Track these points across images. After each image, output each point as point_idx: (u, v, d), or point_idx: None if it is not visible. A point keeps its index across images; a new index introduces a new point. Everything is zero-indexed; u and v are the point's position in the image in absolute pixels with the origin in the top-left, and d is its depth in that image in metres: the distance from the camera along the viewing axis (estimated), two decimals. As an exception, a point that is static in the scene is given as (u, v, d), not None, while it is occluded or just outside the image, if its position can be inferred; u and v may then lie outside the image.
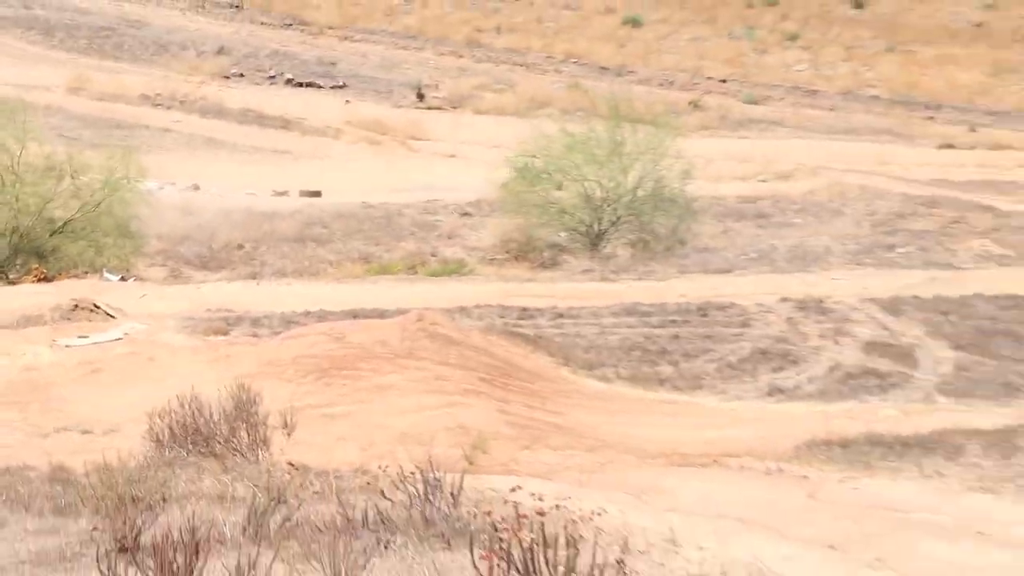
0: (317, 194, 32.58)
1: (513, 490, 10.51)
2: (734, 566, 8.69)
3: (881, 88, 46.87)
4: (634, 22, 55.94)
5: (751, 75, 47.25)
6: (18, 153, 24.91)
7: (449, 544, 8.49)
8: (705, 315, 20.71)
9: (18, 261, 23.84)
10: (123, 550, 7.99)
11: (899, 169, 35.62)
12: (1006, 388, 17.30)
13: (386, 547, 8.51)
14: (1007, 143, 40.37)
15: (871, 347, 19.39)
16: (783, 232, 28.01)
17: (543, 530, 7.02)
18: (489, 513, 8.62)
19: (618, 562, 7.20)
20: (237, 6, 51.54)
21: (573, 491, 10.92)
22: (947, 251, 26.78)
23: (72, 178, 25.33)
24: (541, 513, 7.90)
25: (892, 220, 29.75)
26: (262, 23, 52.17)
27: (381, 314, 18.76)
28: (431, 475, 9.33)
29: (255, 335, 18.60)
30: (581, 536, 7.26)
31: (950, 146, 40.26)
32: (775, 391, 17.35)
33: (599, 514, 9.46)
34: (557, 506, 9.32)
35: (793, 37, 54.64)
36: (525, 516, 7.72)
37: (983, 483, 12.02)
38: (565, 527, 7.32)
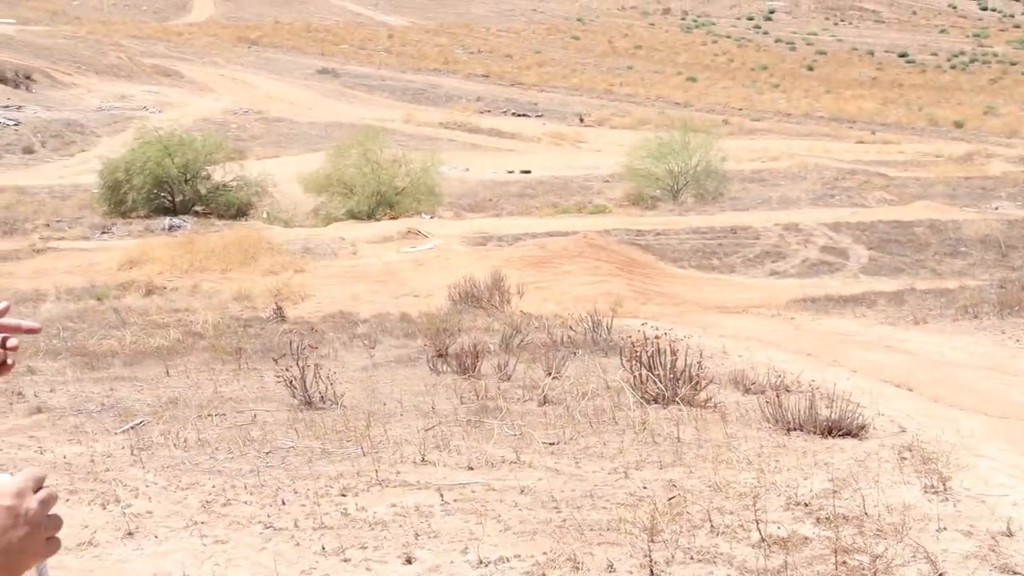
0: (528, 172, 43.15)
1: (642, 325, 13.59)
2: (758, 364, 11.22)
3: (824, 112, 70.89)
4: (692, 79, 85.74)
5: (755, 106, 72.64)
6: (379, 153, 34.72)
7: (606, 353, 11.78)
8: (735, 233, 28.37)
9: (379, 209, 32.83)
10: (439, 355, 11.50)
11: (835, 155, 48.67)
12: (896, 270, 23.92)
13: (573, 355, 11.67)
14: (893, 140, 57.42)
15: (824, 249, 26.61)
16: (774, 189, 38.05)
17: (657, 345, 9.42)
18: (629, 337, 11.30)
19: (698, 363, 9.41)
20: (484, 76, 71.65)
21: (670, 326, 13.94)
22: (861, 198, 36.16)
23: (404, 166, 34.61)
24: (656, 337, 10.08)
25: (832, 182, 40.01)
26: (498, 84, 78.66)
27: (564, 234, 26.03)
28: (594, 318, 13.24)
29: (499, 245, 25.82)
30: (677, 349, 9.43)
31: (862, 142, 56.70)
32: (774, 273, 24.15)
33: (686, 337, 11.86)
34: (664, 333, 11.68)
35: (776, 86, 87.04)
36: (647, 338, 9.88)
37: (888, 319, 15.56)
38: (669, 344, 9.54)
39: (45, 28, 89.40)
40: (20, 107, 54.59)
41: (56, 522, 1.58)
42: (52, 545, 1.58)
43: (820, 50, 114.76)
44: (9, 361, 1.93)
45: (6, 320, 1.93)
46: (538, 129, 58.57)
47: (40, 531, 1.55)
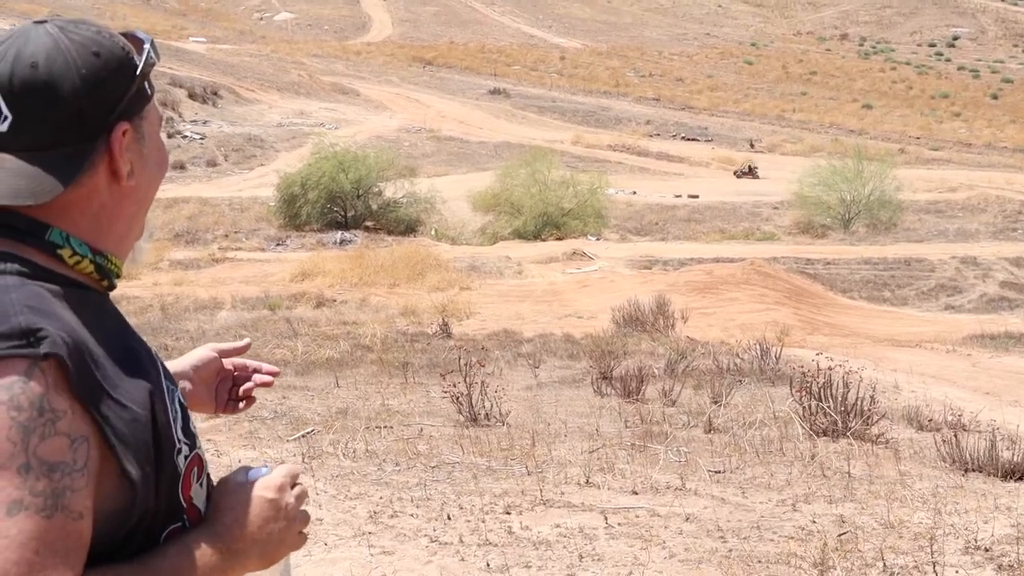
0: (696, 196, 42.53)
1: (814, 356, 12.51)
2: (933, 401, 11.11)
3: (1008, 143, 68.71)
4: (868, 106, 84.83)
5: (933, 135, 70.98)
6: (547, 174, 35.10)
7: (773, 383, 11.85)
8: (908, 264, 27.46)
9: (545, 230, 33.16)
10: (604, 378, 11.59)
11: (1018, 187, 45.69)
12: None
13: (740, 383, 11.68)
14: None
15: (1004, 285, 25.53)
16: (952, 221, 36.56)
17: (830, 377, 9.37)
18: (801, 367, 11.28)
19: (870, 396, 9.33)
20: (656, 98, 69.95)
21: (843, 358, 13.02)
22: None
23: (571, 187, 34.87)
24: (829, 368, 9.86)
25: (1014, 215, 38.00)
26: (668, 108, 78.17)
27: (730, 260, 25.72)
28: (763, 346, 13.20)
29: (664, 269, 25.70)
30: (850, 382, 9.40)
31: None
32: (949, 307, 23.34)
33: (859, 370, 10.70)
34: (839, 365, 10.95)
35: (957, 114, 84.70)
36: (820, 369, 9.77)
37: None
38: (842, 376, 9.48)
39: (233, 47, 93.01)
40: (206, 122, 56.82)
41: (306, 517, 1.66)
42: (302, 539, 1.66)
43: (1006, 78, 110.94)
44: (241, 406, 2.03)
45: (248, 360, 2.03)
46: (707, 154, 58.19)
47: (295, 524, 1.63)
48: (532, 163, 35.41)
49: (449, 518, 6.41)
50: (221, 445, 7.80)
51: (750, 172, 48.78)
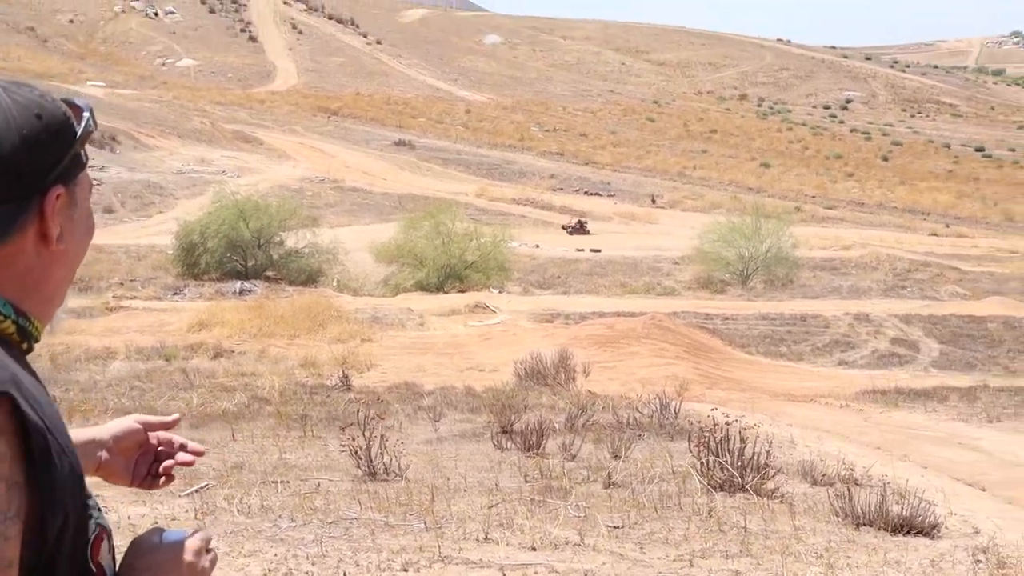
0: (598, 251, 42.74)
1: (712, 410, 12.52)
2: (827, 456, 11.24)
3: (898, 202, 70.73)
4: (766, 165, 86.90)
5: (828, 194, 72.94)
6: (451, 226, 34.99)
7: (672, 437, 11.90)
8: (804, 320, 28.00)
9: (448, 281, 32.95)
10: (504, 432, 11.60)
11: (907, 246, 47.75)
12: (968, 366, 23.40)
13: (639, 437, 11.80)
14: (967, 234, 57.21)
15: (894, 341, 26.10)
16: (845, 278, 37.55)
17: (727, 431, 9.48)
18: (700, 421, 11.09)
19: (766, 451, 9.46)
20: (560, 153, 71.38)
21: (739, 413, 13.07)
22: (933, 290, 35.59)
23: (475, 239, 34.76)
24: (726, 423, 9.97)
25: (904, 273, 39.30)
26: (571, 162, 79.00)
27: (632, 314, 25.75)
28: (662, 400, 13.23)
29: (566, 322, 25.70)
30: (747, 436, 9.47)
31: (935, 235, 55.82)
32: (843, 363, 23.74)
33: (755, 425, 11.04)
34: (735, 420, 11.03)
35: (851, 175, 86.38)
36: (716, 424, 9.83)
37: (959, 416, 15.47)
38: (739, 431, 9.57)
39: (133, 92, 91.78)
40: (104, 167, 55.83)
41: None
42: None
43: (896, 141, 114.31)
44: (160, 482, 1.98)
45: (175, 436, 1.99)
46: (609, 208, 58.68)
47: None
48: (436, 215, 35.41)
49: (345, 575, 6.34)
50: (110, 502, 7.60)
51: (581, 228, 48.60)
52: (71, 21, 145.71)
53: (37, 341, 1.59)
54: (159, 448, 1.97)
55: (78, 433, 1.78)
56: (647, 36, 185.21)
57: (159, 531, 1.65)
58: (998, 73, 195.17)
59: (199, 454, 2.00)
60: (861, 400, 16.95)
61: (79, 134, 1.57)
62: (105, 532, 1.58)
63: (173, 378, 17.00)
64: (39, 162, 1.51)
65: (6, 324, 1.51)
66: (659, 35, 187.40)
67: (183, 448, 1.98)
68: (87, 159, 1.63)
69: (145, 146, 63.58)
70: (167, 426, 2.00)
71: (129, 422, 1.95)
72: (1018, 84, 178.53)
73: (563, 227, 48.94)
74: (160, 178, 55.15)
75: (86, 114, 1.60)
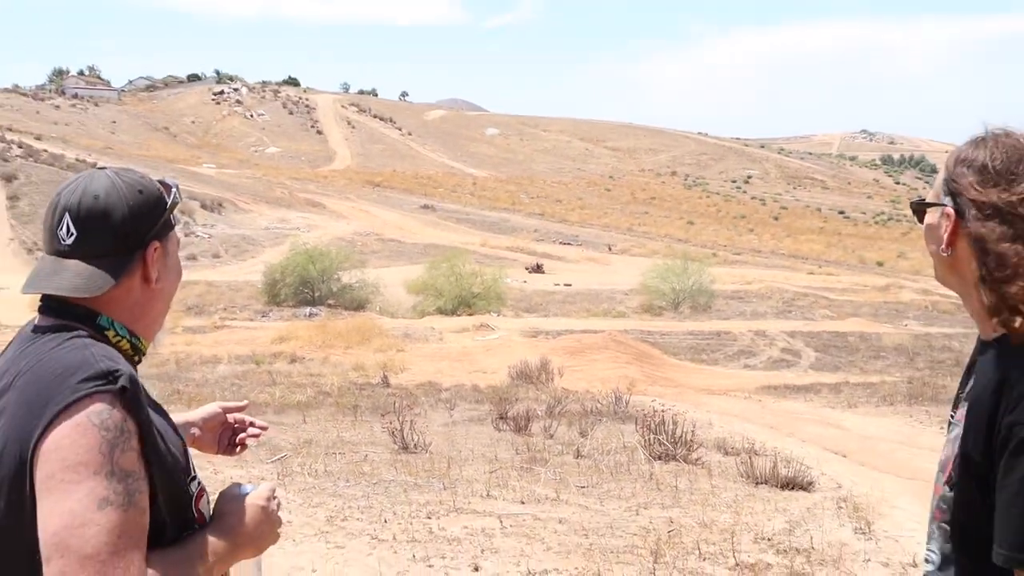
0: (569, 285, 42.50)
1: (652, 401, 13.78)
2: (735, 434, 11.14)
3: (784, 250, 69.33)
4: (691, 222, 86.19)
5: (735, 244, 71.08)
6: (462, 267, 34.32)
7: (624, 421, 11.67)
8: (719, 336, 27.48)
9: (460, 308, 32.34)
10: (501, 417, 11.42)
11: (792, 282, 46.30)
12: (835, 368, 22.49)
13: (600, 421, 11.69)
14: (834, 273, 55.12)
15: (783, 350, 25.34)
16: (748, 304, 36.67)
17: (663, 417, 9.72)
18: (643, 409, 11.69)
19: (691, 431, 9.46)
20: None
21: (672, 403, 14.14)
22: (811, 313, 34.77)
23: (479, 277, 34.18)
24: (663, 410, 10.84)
25: (790, 301, 38.40)
26: (550, 221, 77.67)
27: (594, 332, 25.27)
28: (616, 394, 13.02)
29: (547, 337, 25.09)
30: (677, 420, 9.68)
31: (812, 274, 53.76)
32: (747, 366, 22.94)
33: (684, 412, 12.27)
34: (668, 408, 12.41)
35: (751, 230, 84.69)
36: (655, 411, 10.62)
37: (828, 404, 15.13)
38: (672, 416, 10.03)
39: (235, 171, 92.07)
40: (213, 225, 55.94)
41: (281, 520, 1.68)
42: (278, 536, 1.68)
43: (783, 206, 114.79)
44: (237, 450, 2.01)
45: (246, 416, 2.02)
46: (578, 254, 58.66)
47: (276, 526, 1.65)
48: (451, 259, 35.30)
49: (385, 521, 6.31)
50: (218, 465, 7.57)
51: (538, 269, 47.98)
52: (193, 122, 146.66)
53: (144, 355, 1.63)
54: (235, 425, 1.99)
55: (177, 417, 1.80)
56: (605, 129, 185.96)
57: (238, 485, 1.67)
58: (852, 158, 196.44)
59: (264, 429, 2.01)
60: (760, 393, 16.70)
61: (169, 204, 1.61)
62: (203, 490, 1.60)
63: (261, 377, 16.91)
64: (142, 225, 1.55)
65: (123, 342, 1.55)
66: (614, 128, 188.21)
67: (252, 425, 2.00)
68: (176, 221, 1.67)
69: (242, 210, 63.58)
70: (240, 409, 2.01)
71: (213, 407, 1.98)
72: (867, 167, 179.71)
73: (526, 268, 48.18)
74: (253, 233, 55.13)
75: (174, 190, 1.64)
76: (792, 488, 7.94)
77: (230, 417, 1.99)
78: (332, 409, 12.59)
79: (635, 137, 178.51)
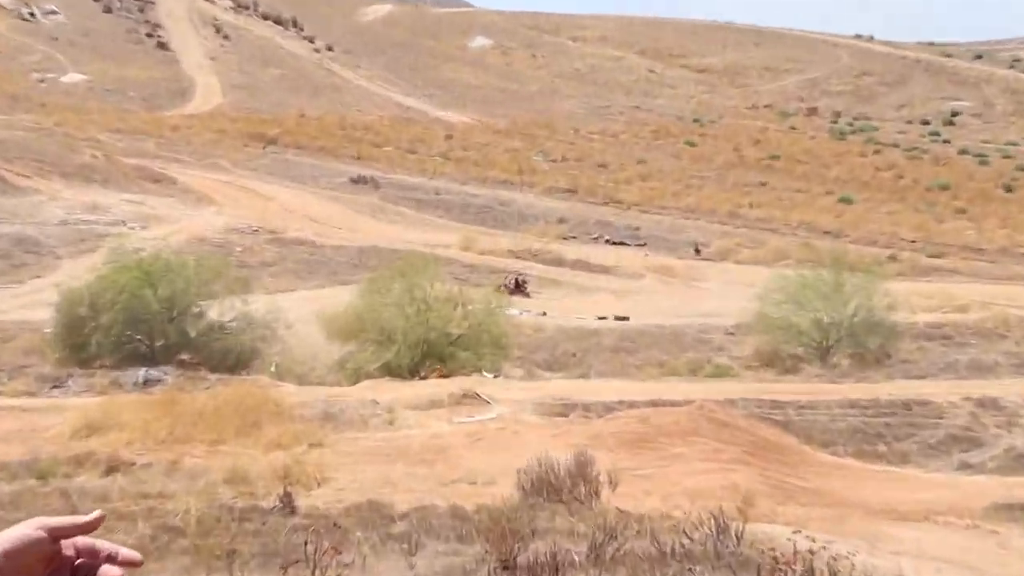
0: (626, 319, 43.09)
1: (793, 533, 14.02)
2: None
3: None
4: (847, 200, 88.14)
5: (933, 237, 71.54)
6: (429, 289, 34.96)
7: (736, 572, 11.96)
8: (909, 409, 27.67)
9: (426, 363, 32.85)
10: (505, 568, 11.95)
11: None
12: None
13: (690, 572, 12.09)
14: None
15: None
16: (962, 350, 37.09)
17: (811, 564, 10.26)
18: (772, 549, 12.08)
19: None
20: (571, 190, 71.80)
21: (828, 538, 14.27)
22: None
23: (463, 307, 34.98)
24: (810, 552, 11.10)
25: None
26: (589, 203, 79.98)
27: (673, 403, 25.76)
28: (720, 521, 13.29)
29: (585, 417, 25.64)
30: (838, 570, 10.40)
31: None
32: (965, 466, 23.27)
33: (849, 555, 12.35)
34: (823, 547, 12.58)
35: (962, 211, 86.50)
36: (797, 553, 10.85)
37: None
38: (827, 563, 10.53)
39: (1, 117, 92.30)
40: (-46, 218, 56.07)
41: None
42: None
43: (1021, 165, 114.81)
44: None
45: (99, 542, 1.97)
46: (640, 262, 58.78)
47: None
48: (408, 275, 35.30)
49: None
50: None
51: (519, 288, 49.16)
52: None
53: None
54: (77, 561, 1.95)
55: None
56: (682, 35, 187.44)
57: None
58: None
59: (135, 564, 1.97)
60: (994, 518, 16.86)
61: None
62: None
63: (50, 503, 16.86)
64: None
65: None
66: (698, 33, 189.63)
67: (111, 559, 1.96)
68: None
69: (16, 188, 63.81)
70: (84, 529, 1.97)
71: (27, 530, 1.91)
72: None
73: (500, 286, 48.82)
74: (36, 231, 55.28)
75: None
76: None
77: (65, 544, 1.94)
78: (186, 561, 12.53)
79: (738, 47, 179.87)
